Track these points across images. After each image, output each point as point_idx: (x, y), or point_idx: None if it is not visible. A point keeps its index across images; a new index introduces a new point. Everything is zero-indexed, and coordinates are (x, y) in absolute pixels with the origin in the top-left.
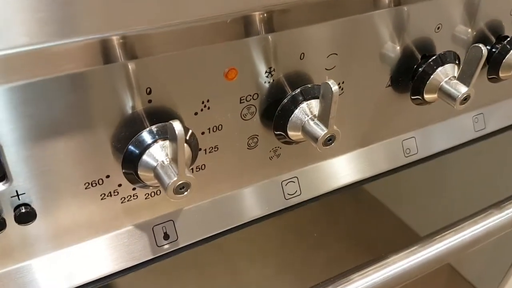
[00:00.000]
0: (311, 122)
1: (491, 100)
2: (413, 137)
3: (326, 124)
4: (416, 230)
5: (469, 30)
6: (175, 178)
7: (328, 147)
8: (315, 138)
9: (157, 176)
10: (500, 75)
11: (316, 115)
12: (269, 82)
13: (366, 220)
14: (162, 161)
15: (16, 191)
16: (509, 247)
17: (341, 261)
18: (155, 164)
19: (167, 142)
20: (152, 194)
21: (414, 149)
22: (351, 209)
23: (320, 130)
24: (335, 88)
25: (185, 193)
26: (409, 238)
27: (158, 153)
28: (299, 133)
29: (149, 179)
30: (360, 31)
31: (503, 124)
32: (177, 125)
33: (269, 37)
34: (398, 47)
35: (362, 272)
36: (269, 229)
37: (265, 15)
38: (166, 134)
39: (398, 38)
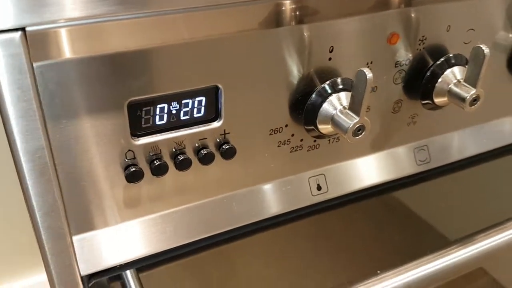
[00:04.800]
0: (455, 86)
1: None
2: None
3: (474, 84)
4: (447, 235)
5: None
6: (356, 120)
7: (473, 107)
8: (461, 99)
9: (335, 122)
10: None
11: (463, 78)
12: (419, 50)
13: (393, 224)
14: (341, 109)
15: (224, 130)
16: None
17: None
18: (333, 112)
19: (340, 94)
20: (313, 147)
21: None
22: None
23: (463, 91)
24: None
25: (361, 135)
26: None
27: (334, 103)
28: (445, 98)
29: (325, 129)
30: None
31: None
32: (367, 71)
33: (424, 9)
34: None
35: (393, 271)
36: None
37: None
38: (340, 87)
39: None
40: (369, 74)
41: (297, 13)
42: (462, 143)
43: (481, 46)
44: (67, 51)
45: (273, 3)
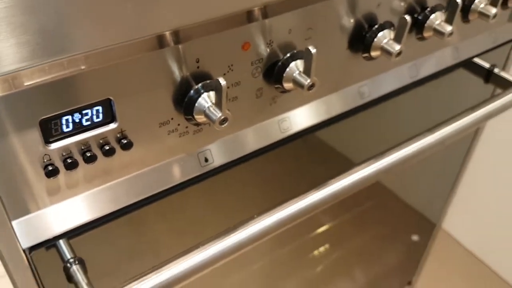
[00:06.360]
0: (298, 76)
1: (421, 54)
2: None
3: (308, 75)
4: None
5: (402, 4)
6: (220, 114)
7: (311, 91)
8: (301, 85)
9: (207, 115)
10: (424, 35)
11: (302, 70)
12: (269, 50)
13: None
14: (210, 105)
15: (121, 129)
16: (448, 175)
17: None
18: (205, 107)
19: (210, 93)
20: (198, 131)
21: (367, 93)
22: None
23: (303, 80)
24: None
25: (226, 124)
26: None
27: (206, 100)
28: (291, 84)
29: (200, 118)
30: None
31: (432, 71)
32: (222, 80)
33: (267, 21)
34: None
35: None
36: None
37: (265, 8)
38: (209, 88)
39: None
40: (223, 82)
41: (174, 37)
42: (315, 111)
43: (309, 47)
44: None
45: (156, 35)
